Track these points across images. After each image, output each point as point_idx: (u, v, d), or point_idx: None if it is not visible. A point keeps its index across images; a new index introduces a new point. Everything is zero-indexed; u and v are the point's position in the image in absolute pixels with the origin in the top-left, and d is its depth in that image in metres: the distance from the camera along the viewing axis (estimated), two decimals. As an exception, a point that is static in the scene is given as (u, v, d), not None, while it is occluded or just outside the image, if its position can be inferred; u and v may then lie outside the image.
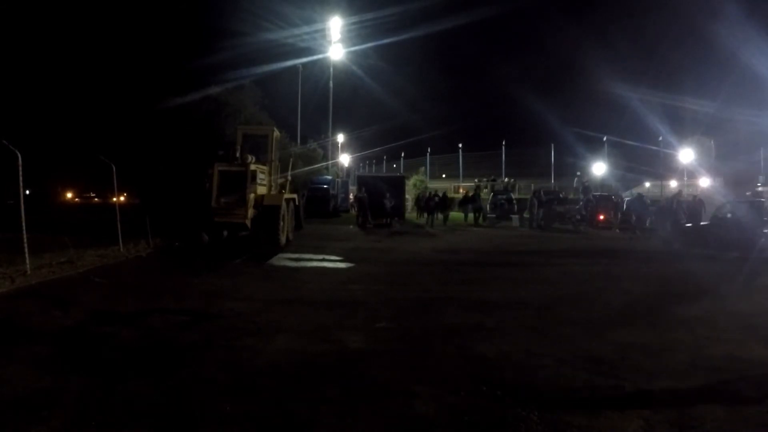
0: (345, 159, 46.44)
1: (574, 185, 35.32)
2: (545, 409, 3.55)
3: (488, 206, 27.10)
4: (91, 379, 4.01)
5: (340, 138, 45.93)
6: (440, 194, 25.03)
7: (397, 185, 25.39)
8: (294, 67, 34.77)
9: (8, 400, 3.64)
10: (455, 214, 26.22)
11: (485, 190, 32.43)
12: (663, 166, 38.84)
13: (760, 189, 24.69)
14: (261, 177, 13.55)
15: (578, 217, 22.20)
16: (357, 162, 58.31)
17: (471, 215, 24.89)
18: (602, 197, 23.14)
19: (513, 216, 25.44)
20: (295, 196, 15.54)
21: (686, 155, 35.91)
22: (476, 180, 39.92)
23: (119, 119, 23.16)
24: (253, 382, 4.03)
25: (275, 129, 15.26)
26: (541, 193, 25.56)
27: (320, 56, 36.33)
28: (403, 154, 57.75)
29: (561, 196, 27.79)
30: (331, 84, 36.55)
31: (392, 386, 3.97)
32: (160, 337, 5.24)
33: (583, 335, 5.45)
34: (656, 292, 8.03)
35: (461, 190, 41.04)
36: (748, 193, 22.03)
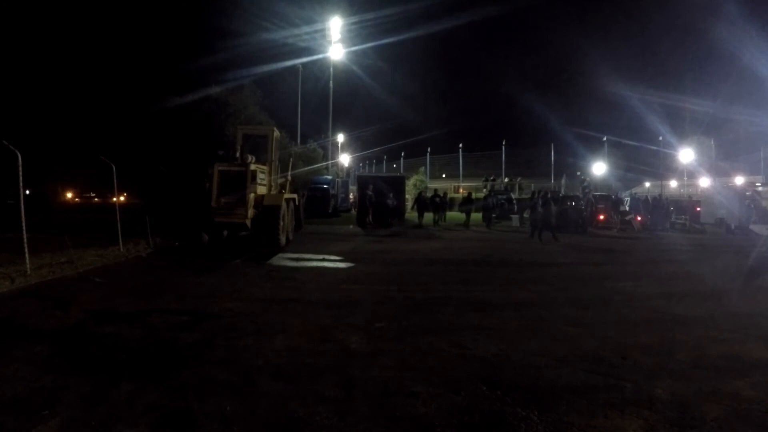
0: (345, 159, 46.39)
1: (580, 185, 35.45)
2: (545, 409, 3.55)
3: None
4: (91, 379, 4.01)
5: (340, 138, 45.89)
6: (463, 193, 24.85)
7: (397, 185, 25.38)
8: (294, 67, 34.79)
9: (8, 400, 3.64)
10: (455, 214, 26.22)
11: (484, 190, 32.41)
12: (663, 166, 38.86)
13: (759, 188, 24.71)
14: (261, 177, 13.54)
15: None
16: (357, 162, 58.30)
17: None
18: (602, 197, 23.22)
19: (513, 216, 25.44)
20: (295, 196, 15.52)
21: (686, 155, 35.93)
22: (489, 179, 39.66)
23: (120, 119, 23.22)
24: (253, 382, 4.03)
25: (275, 129, 15.25)
26: (545, 194, 25.54)
27: (320, 56, 36.28)
28: (403, 154, 57.73)
29: (561, 196, 27.78)
30: (331, 84, 36.51)
31: (392, 386, 3.97)
32: (160, 337, 5.24)
33: (584, 335, 5.45)
34: (656, 292, 8.02)
35: (461, 191, 40.94)
36: (748, 193, 22.06)
